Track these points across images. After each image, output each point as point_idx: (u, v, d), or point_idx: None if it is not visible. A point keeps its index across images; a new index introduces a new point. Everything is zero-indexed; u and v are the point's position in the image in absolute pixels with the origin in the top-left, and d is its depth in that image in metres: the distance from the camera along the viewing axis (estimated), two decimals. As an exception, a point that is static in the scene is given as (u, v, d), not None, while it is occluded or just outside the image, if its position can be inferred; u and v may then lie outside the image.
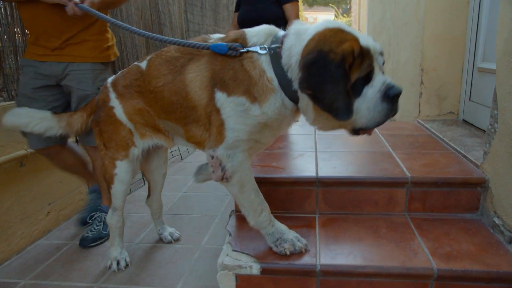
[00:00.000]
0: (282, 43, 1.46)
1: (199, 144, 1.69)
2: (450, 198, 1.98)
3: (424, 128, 2.98)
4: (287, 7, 3.20)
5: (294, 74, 1.42)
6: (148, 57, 1.79)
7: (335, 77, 1.28)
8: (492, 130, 1.89)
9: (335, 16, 31.87)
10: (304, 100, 1.44)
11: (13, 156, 2.49)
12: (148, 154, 2.13)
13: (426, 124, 3.00)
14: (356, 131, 1.46)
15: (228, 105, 1.47)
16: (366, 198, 2.01)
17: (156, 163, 2.25)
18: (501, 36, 1.81)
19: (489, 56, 2.60)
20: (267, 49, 1.47)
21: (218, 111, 1.50)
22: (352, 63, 1.30)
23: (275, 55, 1.45)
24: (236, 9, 3.53)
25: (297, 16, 3.26)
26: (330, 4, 32.40)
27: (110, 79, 1.97)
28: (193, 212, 2.98)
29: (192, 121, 1.62)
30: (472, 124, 2.89)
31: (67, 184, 2.98)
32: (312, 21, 30.57)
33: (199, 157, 4.48)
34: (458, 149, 2.34)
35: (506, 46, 1.75)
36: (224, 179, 1.58)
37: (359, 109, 1.35)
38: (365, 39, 1.35)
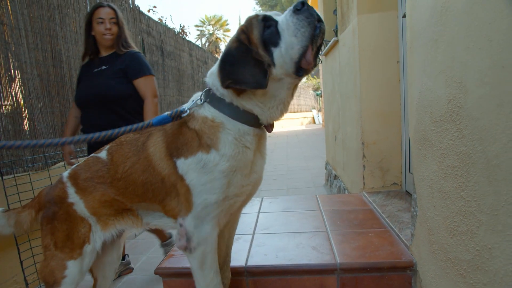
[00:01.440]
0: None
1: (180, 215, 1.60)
2: (382, 283, 1.95)
3: (367, 202, 3.01)
4: (139, 82, 2.80)
5: (228, 94, 1.47)
6: (106, 147, 1.75)
7: (240, 56, 1.39)
8: (415, 213, 1.92)
9: (306, 78, 33.38)
10: (254, 103, 1.47)
11: None
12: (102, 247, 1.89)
13: (370, 197, 3.04)
14: (299, 68, 1.39)
15: (189, 167, 1.47)
16: (298, 286, 1.96)
17: (109, 257, 2.00)
18: (412, 123, 1.90)
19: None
20: (202, 98, 1.53)
21: (182, 178, 1.49)
22: (247, 35, 1.40)
23: (212, 97, 1.51)
24: (76, 88, 3.02)
25: (154, 92, 2.85)
26: (301, 67, 33.96)
27: (66, 173, 1.81)
28: (134, 299, 2.83)
29: (166, 194, 1.58)
30: (413, 196, 2.94)
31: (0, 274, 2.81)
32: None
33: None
34: (393, 227, 2.35)
35: (416, 134, 1.83)
36: (187, 249, 1.53)
37: (288, 44, 1.36)
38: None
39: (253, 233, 2.45)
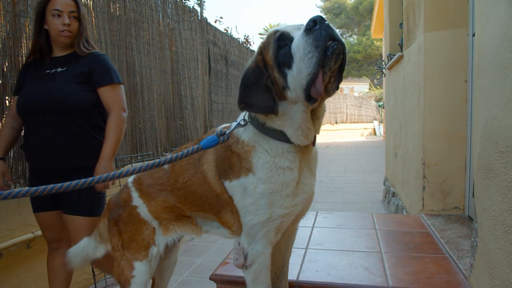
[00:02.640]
0: None
1: (233, 230, 1.68)
2: (436, 312, 1.90)
3: (425, 225, 2.91)
4: (105, 91, 2.27)
5: (258, 115, 1.48)
6: (169, 156, 1.86)
7: (253, 79, 1.38)
8: (475, 243, 1.85)
9: (369, 88, 32.58)
10: (277, 125, 1.44)
11: (21, 239, 2.65)
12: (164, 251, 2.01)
13: (429, 220, 2.94)
14: (309, 96, 1.29)
15: (233, 190, 1.54)
16: (347, 306, 1.96)
17: (168, 261, 2.14)
18: (476, 150, 1.83)
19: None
20: (245, 119, 1.53)
21: (231, 198, 1.57)
22: (263, 56, 1.38)
23: (252, 117, 1.51)
24: (17, 92, 2.36)
25: (122, 104, 2.31)
26: (363, 76, 33.27)
27: (130, 179, 1.90)
28: (189, 300, 2.96)
29: (221, 208, 1.66)
30: (476, 223, 2.80)
31: (71, 265, 3.09)
32: (348, 92, 31.29)
33: (210, 237, 4.51)
34: (452, 254, 2.26)
35: (479, 162, 1.76)
36: (244, 266, 1.60)
37: (298, 69, 1.27)
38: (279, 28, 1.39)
39: (306, 248, 2.47)
